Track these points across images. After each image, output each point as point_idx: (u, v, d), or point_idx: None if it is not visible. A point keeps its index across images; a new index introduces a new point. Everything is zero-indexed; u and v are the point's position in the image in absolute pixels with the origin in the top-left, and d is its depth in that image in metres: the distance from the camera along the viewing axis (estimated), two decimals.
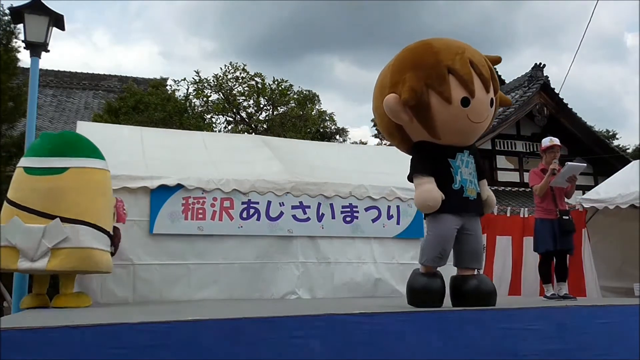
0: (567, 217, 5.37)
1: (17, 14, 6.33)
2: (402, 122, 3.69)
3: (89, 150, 4.78)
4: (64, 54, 48.13)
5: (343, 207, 6.46)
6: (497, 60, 3.94)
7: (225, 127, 18.79)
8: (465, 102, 3.51)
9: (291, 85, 18.81)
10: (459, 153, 3.69)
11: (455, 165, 3.64)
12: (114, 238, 4.80)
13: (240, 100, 18.64)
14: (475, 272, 3.74)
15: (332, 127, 21.95)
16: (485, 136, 15.19)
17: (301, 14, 56.38)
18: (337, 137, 22.43)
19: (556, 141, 5.57)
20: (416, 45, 3.75)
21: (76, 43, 56.47)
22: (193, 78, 18.12)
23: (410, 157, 3.84)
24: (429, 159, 3.65)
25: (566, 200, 5.65)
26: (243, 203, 6.04)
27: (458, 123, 3.56)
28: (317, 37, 59.06)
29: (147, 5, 68.90)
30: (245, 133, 16.76)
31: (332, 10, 58.35)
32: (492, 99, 3.67)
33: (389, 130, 3.90)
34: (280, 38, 52.67)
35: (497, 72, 3.95)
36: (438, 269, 3.70)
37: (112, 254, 4.78)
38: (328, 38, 59.70)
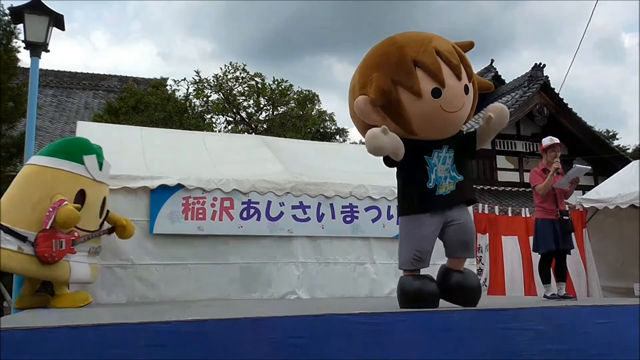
0: (567, 217, 5.37)
1: (17, 14, 6.33)
2: (375, 123, 3.58)
3: (50, 149, 4.78)
4: (63, 54, 48.13)
5: (343, 207, 6.46)
6: (468, 46, 3.81)
7: (225, 127, 18.80)
8: (436, 93, 3.42)
9: (291, 85, 18.83)
10: (436, 150, 3.61)
11: (431, 163, 3.58)
12: (38, 241, 4.40)
13: (240, 100, 18.66)
14: (464, 263, 3.71)
15: (332, 127, 21.93)
16: None
17: (300, 14, 56.41)
18: (337, 137, 22.41)
19: (556, 140, 5.56)
20: (381, 44, 3.69)
21: (74, 43, 56.49)
22: (193, 78, 18.15)
23: None
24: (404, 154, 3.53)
25: (565, 200, 5.65)
26: (243, 203, 6.04)
27: (432, 116, 3.47)
28: (316, 37, 59.09)
29: (145, 6, 68.91)
30: (245, 133, 16.76)
31: (331, 10, 58.38)
32: (466, 86, 3.56)
33: (366, 132, 3.86)
34: (279, 39, 52.71)
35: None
36: (424, 270, 3.64)
37: (47, 260, 4.41)
38: (327, 39, 59.74)
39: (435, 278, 3.69)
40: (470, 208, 7.66)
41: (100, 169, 4.87)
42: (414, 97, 3.43)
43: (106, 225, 5.11)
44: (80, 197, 4.67)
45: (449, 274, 3.64)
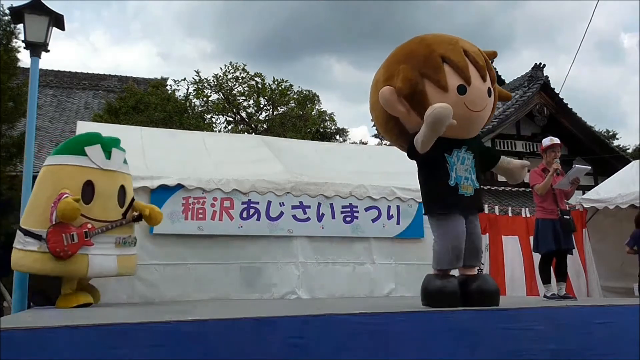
0: (568, 217, 5.36)
1: (17, 14, 6.32)
2: (399, 114, 3.64)
3: (57, 148, 4.88)
4: (63, 54, 48.12)
5: (343, 207, 6.46)
6: (492, 55, 3.90)
7: (225, 127, 18.81)
8: (461, 89, 3.47)
9: (291, 85, 18.84)
10: (456, 149, 3.61)
11: (451, 161, 3.58)
12: (48, 237, 4.44)
13: (240, 100, 18.66)
14: (477, 270, 3.72)
15: (332, 127, 21.94)
16: (485, 136, 15.19)
17: (299, 14, 56.41)
18: (337, 137, 22.42)
19: (556, 140, 5.56)
20: (409, 42, 3.76)
21: (74, 43, 56.46)
22: (193, 78, 18.16)
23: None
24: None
25: (566, 200, 5.65)
26: (243, 203, 6.04)
27: (455, 112, 3.45)
28: (316, 38, 59.08)
29: (144, 6, 68.86)
30: (245, 133, 16.76)
31: (330, 11, 58.37)
32: (489, 89, 3.63)
33: (386, 125, 3.86)
34: (278, 39, 52.69)
35: (496, 70, 3.93)
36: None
37: (60, 255, 4.44)
38: (326, 39, 59.74)
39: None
40: None
41: (108, 157, 4.83)
42: (440, 91, 3.47)
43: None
44: (89, 188, 4.67)
45: (466, 282, 3.59)
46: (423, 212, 3.87)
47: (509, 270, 8.24)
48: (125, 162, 5.05)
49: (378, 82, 3.74)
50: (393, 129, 3.86)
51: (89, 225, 4.57)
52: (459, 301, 3.46)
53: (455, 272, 3.75)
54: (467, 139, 3.68)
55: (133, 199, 5.04)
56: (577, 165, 5.47)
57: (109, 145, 4.90)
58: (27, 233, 4.60)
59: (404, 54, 3.68)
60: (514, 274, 8.24)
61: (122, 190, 4.92)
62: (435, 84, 3.48)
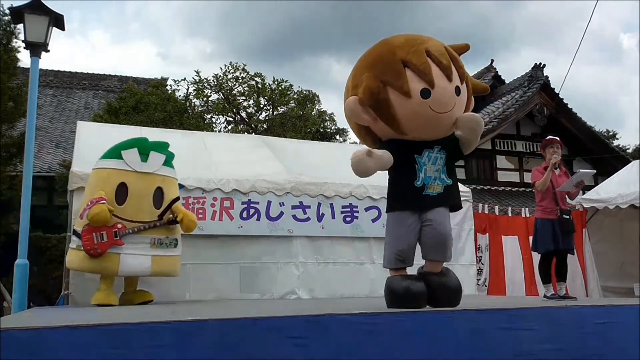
0: (567, 217, 5.35)
1: (17, 14, 6.32)
2: (366, 123, 3.64)
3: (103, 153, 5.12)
4: (62, 54, 48.11)
5: (343, 207, 6.46)
6: (463, 48, 3.82)
7: (225, 127, 18.78)
8: (425, 93, 3.43)
9: (291, 85, 18.81)
10: (427, 149, 3.60)
11: (421, 162, 3.57)
12: (82, 234, 4.73)
13: (240, 100, 18.64)
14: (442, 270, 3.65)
15: (332, 127, 21.93)
16: (485, 136, 15.17)
17: (298, 15, 56.39)
18: (337, 137, 22.41)
19: (555, 137, 5.57)
20: (375, 45, 3.73)
21: (73, 44, 56.44)
22: (193, 78, 18.13)
23: None
24: (394, 154, 3.55)
25: (569, 200, 5.64)
26: (243, 203, 6.04)
27: (421, 116, 3.47)
28: (315, 38, 59.08)
29: (143, 6, 68.85)
30: (245, 133, 16.74)
31: (330, 11, 58.38)
32: (457, 87, 3.55)
33: (359, 132, 3.88)
34: (278, 40, 52.65)
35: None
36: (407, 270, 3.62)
37: (90, 252, 4.68)
38: (326, 39, 59.73)
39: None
40: (470, 208, 7.64)
41: (145, 160, 5.01)
42: (403, 97, 3.45)
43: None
44: (122, 190, 4.89)
45: (427, 278, 3.56)
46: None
47: (508, 271, 8.25)
48: (167, 164, 5.19)
49: (347, 90, 3.73)
50: (367, 136, 3.86)
51: (119, 225, 4.77)
52: (425, 303, 3.45)
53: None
54: (440, 139, 3.65)
55: (174, 201, 5.11)
56: (581, 170, 5.47)
57: (148, 148, 5.08)
58: (74, 232, 4.94)
59: (368, 60, 3.66)
60: (514, 274, 8.25)
61: (160, 191, 5.04)
62: (397, 91, 3.44)
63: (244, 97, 18.56)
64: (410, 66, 3.45)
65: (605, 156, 16.59)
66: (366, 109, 3.53)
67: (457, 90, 3.56)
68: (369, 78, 3.50)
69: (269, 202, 6.13)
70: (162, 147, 5.20)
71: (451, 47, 3.70)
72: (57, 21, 6.44)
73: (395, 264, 3.59)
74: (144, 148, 5.05)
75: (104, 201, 4.69)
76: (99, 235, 4.68)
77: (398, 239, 3.59)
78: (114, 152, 5.03)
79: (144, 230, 4.86)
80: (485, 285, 8.03)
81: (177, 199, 5.16)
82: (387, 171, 3.75)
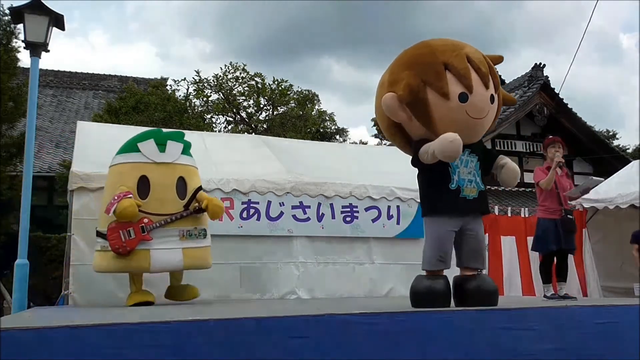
0: (570, 217, 5.36)
1: (17, 14, 6.32)
2: (401, 121, 3.69)
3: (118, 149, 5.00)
4: (62, 54, 48.08)
5: (343, 207, 6.47)
6: (498, 59, 3.92)
7: (225, 127, 18.79)
8: (463, 97, 3.49)
9: (291, 85, 18.81)
10: None
11: (454, 165, 3.60)
12: (107, 234, 4.60)
13: (240, 100, 18.64)
14: (477, 272, 3.72)
15: (332, 127, 21.95)
16: (486, 136, 15.17)
17: (298, 15, 56.38)
18: (337, 137, 22.43)
19: (557, 137, 5.60)
20: (414, 46, 3.79)
21: (73, 43, 56.40)
22: (193, 78, 18.13)
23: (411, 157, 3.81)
24: None
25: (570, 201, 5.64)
26: (243, 203, 6.04)
27: (457, 119, 3.53)
28: (315, 38, 59.06)
29: (143, 6, 68.78)
30: (245, 133, 16.74)
31: (330, 11, 58.34)
32: (492, 95, 3.64)
33: (390, 130, 3.90)
34: (277, 40, 52.62)
35: (497, 72, 3.91)
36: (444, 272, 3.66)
37: (119, 251, 4.57)
38: (325, 40, 59.72)
39: (450, 280, 3.68)
40: None
41: (163, 150, 4.86)
42: (441, 99, 3.50)
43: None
44: (144, 183, 4.74)
45: (465, 280, 3.61)
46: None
47: (506, 270, 8.25)
48: (186, 153, 5.04)
49: (383, 85, 3.77)
50: (397, 135, 3.90)
51: (146, 220, 4.62)
52: (449, 301, 3.50)
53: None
54: (469, 144, 3.70)
55: (198, 190, 4.97)
56: (593, 178, 5.53)
57: (164, 138, 4.92)
58: (97, 234, 4.75)
59: (409, 59, 3.71)
60: (511, 274, 8.25)
61: (182, 181, 4.89)
62: (437, 92, 3.50)
63: (244, 97, 18.57)
64: (451, 69, 3.51)
65: (605, 156, 16.58)
66: (403, 106, 3.57)
67: (492, 99, 3.65)
68: (410, 76, 3.54)
69: (269, 202, 6.14)
70: (178, 136, 5.08)
71: (487, 56, 3.78)
72: (57, 21, 6.44)
73: (437, 265, 3.61)
74: (161, 138, 4.91)
75: (130, 195, 4.54)
76: (125, 232, 4.53)
77: (439, 240, 3.60)
78: (130, 146, 4.89)
79: (171, 223, 4.70)
80: None
81: (201, 187, 5.03)
82: (416, 175, 3.79)
